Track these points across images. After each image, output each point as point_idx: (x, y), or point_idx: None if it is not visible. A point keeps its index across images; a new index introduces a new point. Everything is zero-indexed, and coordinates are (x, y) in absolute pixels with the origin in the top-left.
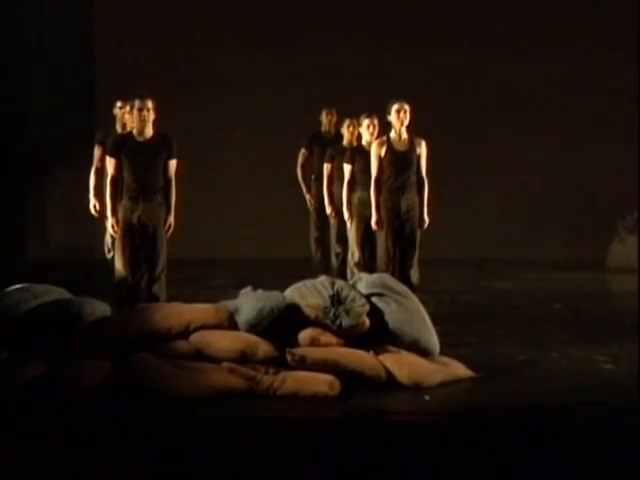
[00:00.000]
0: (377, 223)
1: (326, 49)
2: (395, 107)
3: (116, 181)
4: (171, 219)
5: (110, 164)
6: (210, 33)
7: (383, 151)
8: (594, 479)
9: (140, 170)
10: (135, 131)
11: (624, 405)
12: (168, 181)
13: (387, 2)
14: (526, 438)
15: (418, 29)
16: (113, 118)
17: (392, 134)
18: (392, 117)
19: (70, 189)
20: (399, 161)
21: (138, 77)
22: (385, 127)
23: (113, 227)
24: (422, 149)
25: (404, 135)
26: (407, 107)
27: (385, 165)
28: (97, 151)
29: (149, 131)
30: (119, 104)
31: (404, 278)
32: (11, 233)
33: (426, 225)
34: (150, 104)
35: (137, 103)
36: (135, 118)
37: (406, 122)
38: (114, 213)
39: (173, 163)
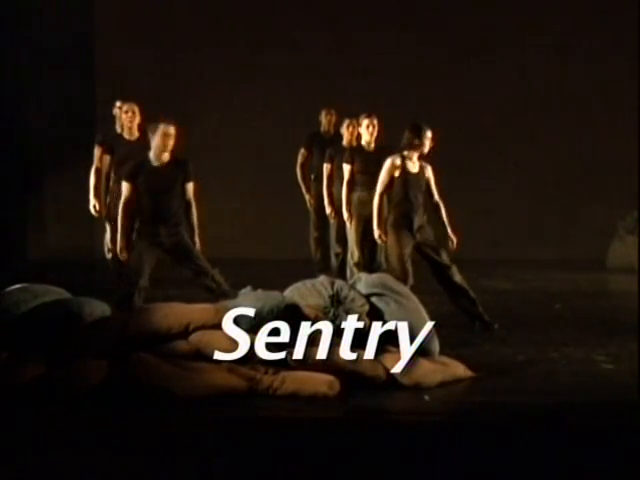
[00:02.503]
0: (380, 237)
1: (326, 49)
2: (429, 134)
3: (131, 205)
4: (196, 239)
5: (126, 188)
6: (209, 33)
7: (398, 172)
8: (594, 479)
9: (157, 194)
10: (152, 155)
11: (624, 405)
12: (188, 204)
13: (387, 2)
14: (526, 438)
15: (418, 29)
16: (113, 118)
17: (406, 153)
18: (426, 142)
19: (70, 189)
20: (412, 182)
21: (138, 77)
22: (407, 143)
23: (125, 258)
24: (429, 173)
25: (415, 158)
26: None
27: (397, 185)
28: (97, 151)
29: (166, 156)
30: (119, 104)
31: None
32: (11, 233)
33: (455, 244)
34: (173, 130)
35: (162, 128)
36: (158, 143)
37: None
38: (127, 245)
39: (190, 186)
